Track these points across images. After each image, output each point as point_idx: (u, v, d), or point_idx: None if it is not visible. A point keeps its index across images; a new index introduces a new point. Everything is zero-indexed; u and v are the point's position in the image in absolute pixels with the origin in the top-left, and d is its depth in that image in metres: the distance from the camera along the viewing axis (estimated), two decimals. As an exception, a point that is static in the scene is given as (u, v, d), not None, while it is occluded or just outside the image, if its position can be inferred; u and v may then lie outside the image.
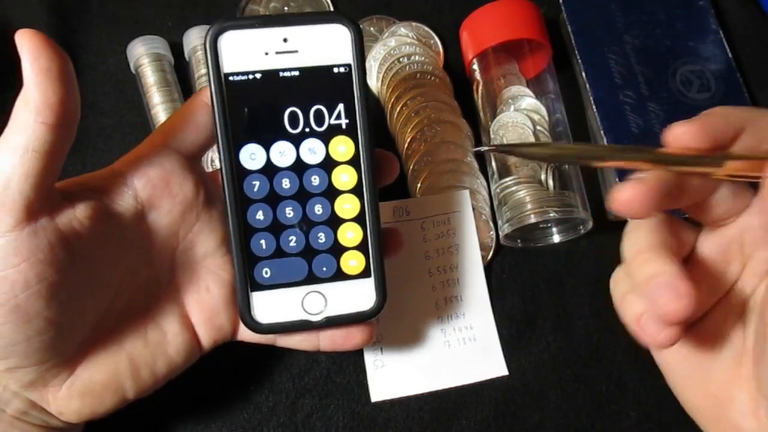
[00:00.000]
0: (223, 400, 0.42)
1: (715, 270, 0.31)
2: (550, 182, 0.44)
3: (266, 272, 0.33)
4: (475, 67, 0.49)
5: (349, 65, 0.32)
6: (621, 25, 0.50)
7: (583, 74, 0.49)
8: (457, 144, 0.47)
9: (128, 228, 0.31)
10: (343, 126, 0.33)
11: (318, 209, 0.33)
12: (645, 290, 0.27)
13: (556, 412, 0.43)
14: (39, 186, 0.27)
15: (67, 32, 0.50)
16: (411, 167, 0.47)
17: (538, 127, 0.46)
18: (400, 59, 0.49)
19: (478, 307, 0.45)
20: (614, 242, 0.48)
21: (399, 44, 0.49)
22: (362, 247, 0.34)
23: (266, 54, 0.31)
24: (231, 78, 0.31)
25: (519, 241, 0.46)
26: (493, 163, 0.46)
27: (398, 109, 0.48)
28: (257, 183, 0.32)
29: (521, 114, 0.46)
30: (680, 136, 0.28)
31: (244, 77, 0.31)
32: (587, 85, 0.48)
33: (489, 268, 0.46)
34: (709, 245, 0.31)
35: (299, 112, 0.32)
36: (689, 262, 0.31)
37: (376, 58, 0.49)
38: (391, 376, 0.43)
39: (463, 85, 0.50)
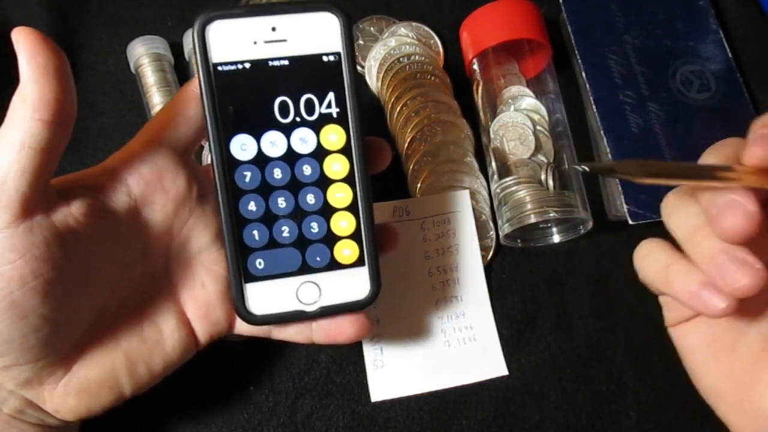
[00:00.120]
0: (223, 399, 0.42)
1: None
2: (550, 182, 0.44)
3: (260, 263, 0.33)
4: (475, 67, 0.49)
5: (338, 53, 0.32)
6: (621, 25, 0.50)
7: (583, 74, 0.49)
8: (457, 144, 0.47)
9: (123, 224, 0.31)
10: (334, 115, 0.32)
11: (310, 199, 0.33)
12: (711, 264, 0.28)
13: (556, 412, 0.43)
14: (35, 183, 0.27)
15: (67, 32, 0.50)
16: (411, 167, 0.46)
17: (538, 127, 0.46)
18: (400, 59, 0.49)
19: (478, 307, 0.44)
20: (614, 242, 0.49)
21: (399, 44, 0.49)
22: (356, 236, 0.34)
23: (255, 43, 0.31)
24: (220, 68, 0.31)
25: (519, 241, 0.46)
26: (493, 163, 0.46)
27: (398, 109, 0.47)
28: (249, 174, 0.32)
29: (521, 114, 0.46)
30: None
31: (233, 67, 0.31)
32: (587, 85, 0.48)
33: (489, 268, 0.46)
34: None
35: (289, 101, 0.32)
36: None
37: (376, 58, 0.49)
38: (391, 376, 0.42)
39: (463, 85, 0.50)
